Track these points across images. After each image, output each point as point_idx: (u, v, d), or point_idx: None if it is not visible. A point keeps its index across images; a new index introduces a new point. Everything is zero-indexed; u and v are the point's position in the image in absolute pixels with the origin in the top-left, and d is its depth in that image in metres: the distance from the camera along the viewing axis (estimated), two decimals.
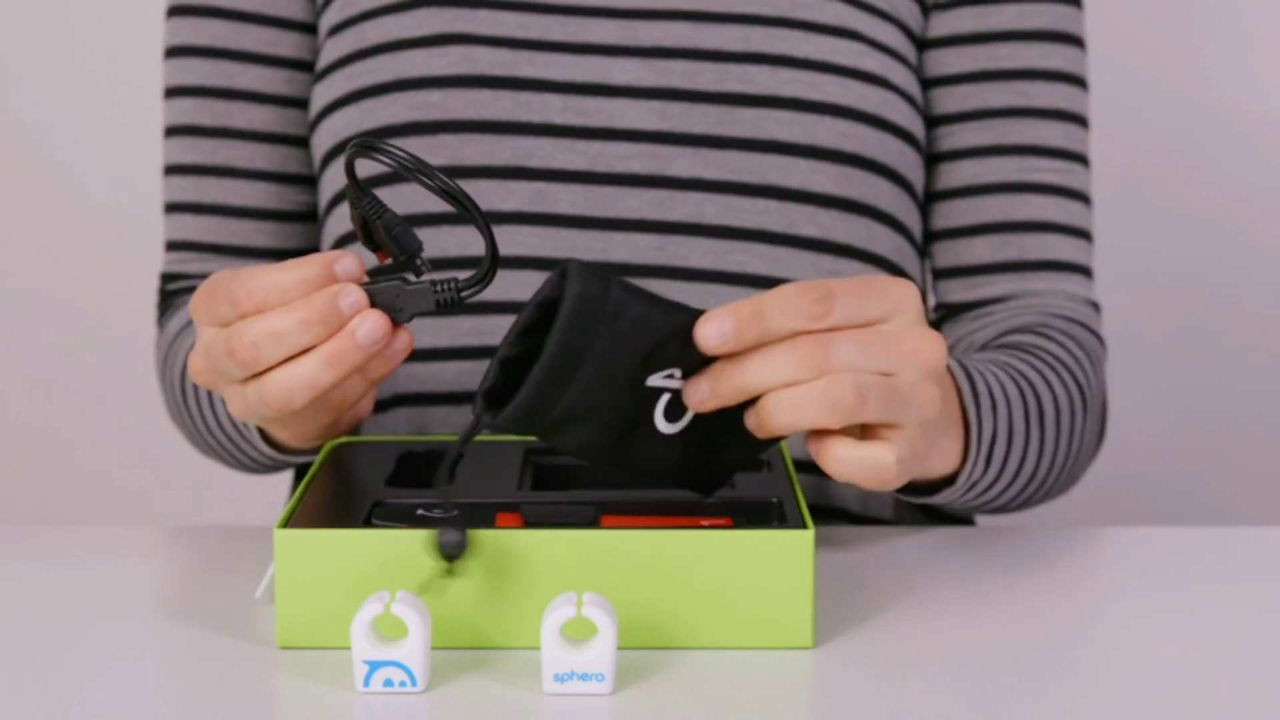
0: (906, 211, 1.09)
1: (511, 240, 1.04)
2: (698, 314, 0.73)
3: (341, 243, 1.09)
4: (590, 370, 0.72)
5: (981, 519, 1.22)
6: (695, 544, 0.76)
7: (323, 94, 1.09)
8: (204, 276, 1.12)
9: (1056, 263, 1.10)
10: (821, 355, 0.73)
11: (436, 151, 1.04)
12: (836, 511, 1.07)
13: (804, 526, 0.77)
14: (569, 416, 0.74)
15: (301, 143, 1.13)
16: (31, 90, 1.78)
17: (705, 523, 0.79)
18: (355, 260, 0.78)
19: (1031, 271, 1.10)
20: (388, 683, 0.72)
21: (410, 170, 0.76)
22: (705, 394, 0.74)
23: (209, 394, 1.02)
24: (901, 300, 0.75)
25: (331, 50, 1.09)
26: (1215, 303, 1.73)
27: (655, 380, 0.75)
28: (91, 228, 1.80)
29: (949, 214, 1.11)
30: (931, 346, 0.75)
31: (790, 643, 0.77)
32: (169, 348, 1.10)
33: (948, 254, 1.12)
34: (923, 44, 1.11)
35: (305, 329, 0.76)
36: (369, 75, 1.06)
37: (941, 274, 1.13)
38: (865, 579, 0.88)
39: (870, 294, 0.74)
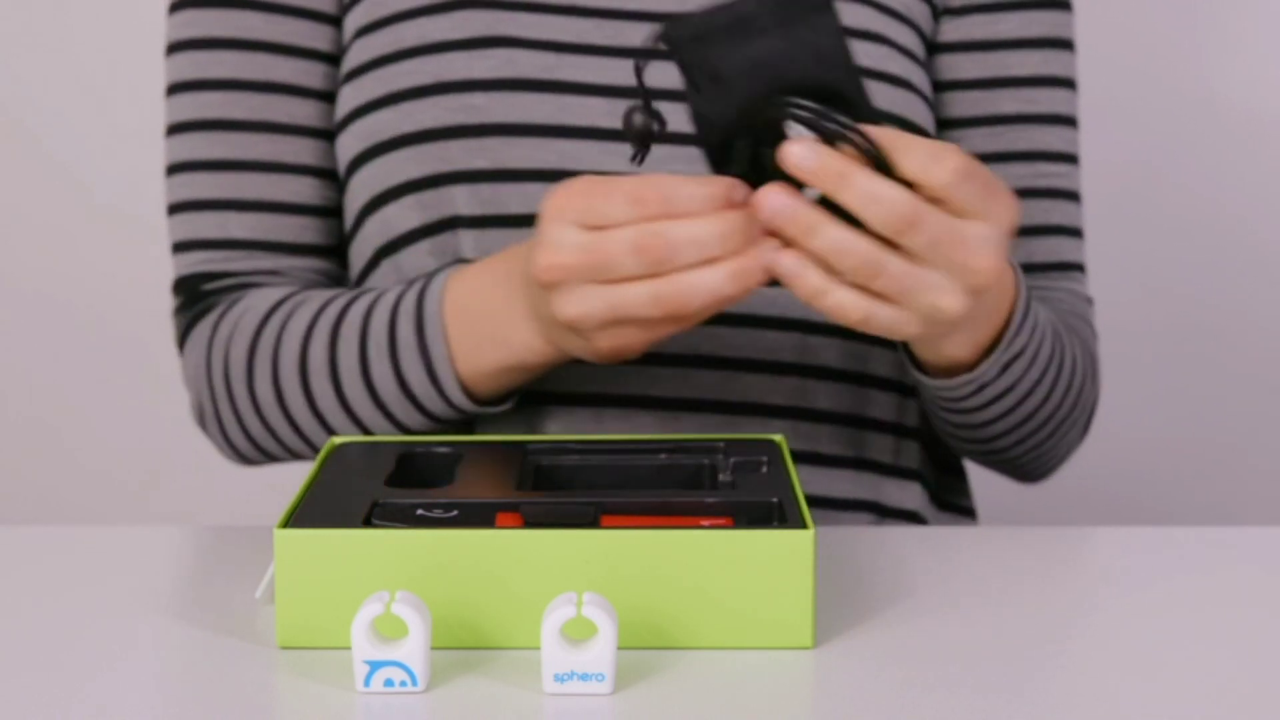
0: None
1: None
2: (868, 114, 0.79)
3: (376, 259, 1.07)
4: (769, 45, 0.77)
5: (982, 519, 1.22)
6: (695, 544, 0.76)
7: (352, 96, 1.07)
8: (256, 274, 1.10)
9: (1062, 264, 1.14)
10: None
11: (481, 154, 1.03)
12: (893, 510, 1.09)
13: (804, 526, 0.77)
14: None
15: (325, 135, 1.11)
16: (31, 90, 1.78)
17: (705, 523, 0.79)
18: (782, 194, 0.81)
19: (1041, 273, 1.13)
20: (388, 683, 0.72)
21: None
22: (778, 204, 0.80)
23: (334, 365, 1.00)
24: (1003, 216, 0.81)
25: (361, 52, 1.08)
26: (1214, 302, 1.73)
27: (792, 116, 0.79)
28: (93, 228, 1.80)
29: None
30: (989, 265, 0.81)
31: (790, 643, 0.77)
32: (259, 326, 1.05)
33: None
34: (932, 47, 1.12)
35: (723, 243, 0.80)
36: (407, 77, 1.05)
37: None
38: (865, 579, 0.88)
39: (989, 195, 0.80)
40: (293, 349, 1.03)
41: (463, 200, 1.04)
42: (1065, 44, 1.14)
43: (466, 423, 1.04)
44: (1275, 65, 1.70)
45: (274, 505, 1.59)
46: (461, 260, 1.03)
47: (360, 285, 1.10)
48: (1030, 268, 1.13)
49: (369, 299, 1.02)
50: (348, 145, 1.08)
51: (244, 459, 1.11)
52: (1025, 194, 1.12)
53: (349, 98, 1.08)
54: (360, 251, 1.10)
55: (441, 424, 1.01)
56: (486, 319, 0.95)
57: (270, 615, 0.81)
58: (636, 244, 0.81)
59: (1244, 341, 1.73)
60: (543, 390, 1.03)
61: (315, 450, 1.06)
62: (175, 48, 1.12)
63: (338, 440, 0.93)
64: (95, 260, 1.80)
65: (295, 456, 1.09)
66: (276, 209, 1.10)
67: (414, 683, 0.72)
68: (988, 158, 1.12)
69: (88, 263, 1.81)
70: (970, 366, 0.95)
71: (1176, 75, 1.70)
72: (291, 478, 1.48)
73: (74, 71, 1.78)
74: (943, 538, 0.96)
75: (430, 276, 0.99)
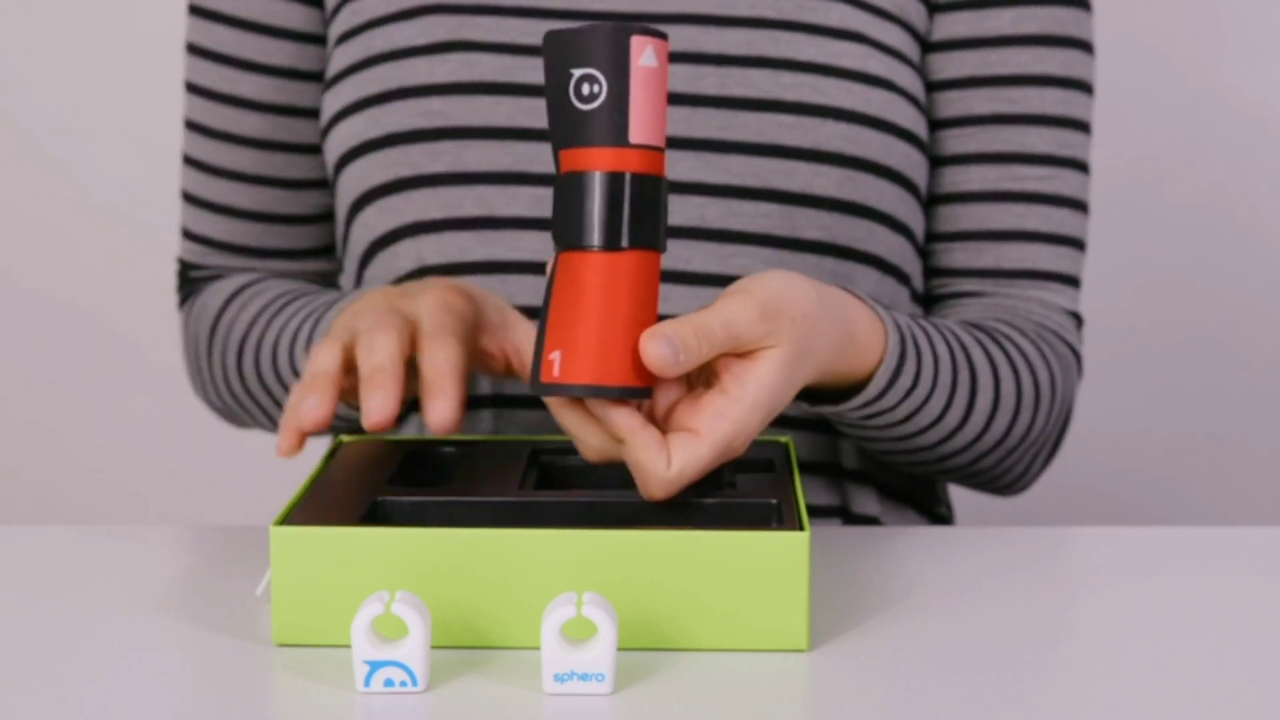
0: (909, 212, 1.09)
1: (514, 245, 1.04)
2: None
3: (369, 255, 1.09)
4: None
5: (982, 517, 1.22)
6: (689, 545, 0.76)
7: (332, 101, 1.10)
8: (227, 269, 1.18)
9: (1034, 271, 1.10)
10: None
11: (439, 158, 1.04)
12: (857, 515, 1.08)
13: (800, 529, 0.77)
14: None
15: (298, 149, 1.15)
16: (31, 90, 1.78)
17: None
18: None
19: (1007, 279, 1.10)
20: (388, 683, 0.72)
21: None
22: None
23: (273, 347, 1.07)
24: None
25: (340, 58, 1.10)
26: (1225, 300, 1.72)
27: None
28: (92, 228, 1.80)
29: (933, 218, 1.11)
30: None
31: (784, 645, 0.77)
32: (220, 311, 1.13)
33: (930, 256, 1.12)
34: (926, 46, 1.11)
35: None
36: (375, 83, 1.07)
37: (924, 271, 1.13)
38: (861, 580, 0.88)
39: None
40: (233, 345, 1.11)
41: (425, 204, 1.05)
42: (1068, 41, 1.10)
43: None
44: None
45: (274, 505, 1.59)
46: (426, 266, 1.06)
47: (358, 286, 1.12)
48: (996, 273, 1.10)
49: (285, 319, 1.09)
50: (331, 150, 1.11)
51: (232, 422, 1.19)
52: (996, 197, 1.09)
53: (330, 104, 1.10)
54: (351, 254, 1.12)
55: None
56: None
57: (270, 614, 0.81)
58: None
59: (1256, 340, 1.73)
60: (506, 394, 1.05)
61: (272, 423, 1.14)
62: (185, 47, 1.16)
63: (345, 438, 0.94)
64: (95, 260, 1.81)
65: (263, 425, 1.15)
66: (240, 215, 1.16)
67: (414, 683, 0.72)
68: (961, 159, 1.10)
69: (87, 263, 1.81)
70: (833, 398, 0.94)
71: (1187, 73, 1.69)
72: (292, 476, 1.49)
73: (74, 72, 1.78)
74: (940, 539, 0.96)
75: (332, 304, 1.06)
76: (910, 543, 0.95)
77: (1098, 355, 1.58)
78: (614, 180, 0.77)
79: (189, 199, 1.18)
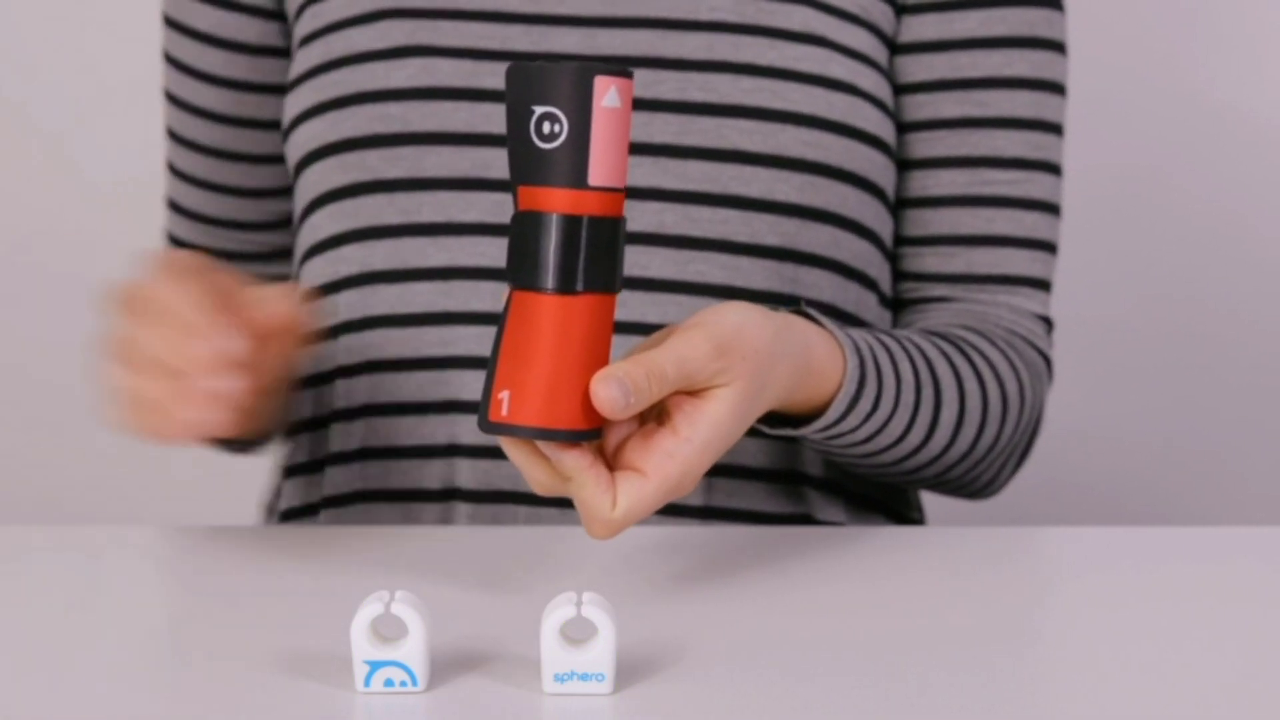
0: (874, 217, 1.08)
1: (471, 251, 1.04)
2: None
3: (312, 252, 1.09)
4: None
5: (976, 520, 1.22)
6: None
7: (293, 105, 1.10)
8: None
9: (1005, 276, 1.10)
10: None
11: (397, 163, 1.04)
12: (822, 524, 1.08)
13: None
14: None
15: (254, 159, 1.17)
16: (32, 87, 1.78)
17: None
18: None
19: (978, 284, 1.10)
20: (388, 683, 0.72)
21: None
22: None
23: None
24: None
25: (301, 61, 1.10)
26: (1214, 306, 1.73)
27: None
28: (94, 225, 1.80)
29: (903, 222, 1.11)
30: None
31: None
32: None
33: (899, 260, 1.12)
34: (893, 48, 1.10)
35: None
36: (334, 87, 1.07)
37: (894, 275, 1.13)
38: (840, 578, 0.89)
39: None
40: None
41: (380, 209, 1.05)
42: (1038, 42, 1.09)
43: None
44: (1273, 67, 1.70)
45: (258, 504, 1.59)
46: (374, 271, 1.06)
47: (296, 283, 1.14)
48: (967, 278, 1.10)
49: None
50: (290, 154, 1.11)
51: None
52: (965, 202, 1.09)
53: (290, 107, 1.11)
54: (296, 256, 1.13)
55: None
56: None
57: (270, 615, 0.81)
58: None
59: (1245, 345, 1.73)
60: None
61: None
62: (163, 56, 1.19)
63: None
64: (96, 259, 1.80)
65: None
66: (203, 219, 1.20)
67: (414, 683, 0.72)
68: (929, 163, 1.09)
69: (89, 261, 1.80)
70: (795, 421, 0.94)
71: (1173, 78, 1.69)
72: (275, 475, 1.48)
73: (75, 67, 1.78)
74: (928, 538, 0.96)
75: None
76: (879, 543, 0.95)
77: (1086, 356, 1.58)
78: (571, 223, 0.76)
79: (171, 205, 1.21)
